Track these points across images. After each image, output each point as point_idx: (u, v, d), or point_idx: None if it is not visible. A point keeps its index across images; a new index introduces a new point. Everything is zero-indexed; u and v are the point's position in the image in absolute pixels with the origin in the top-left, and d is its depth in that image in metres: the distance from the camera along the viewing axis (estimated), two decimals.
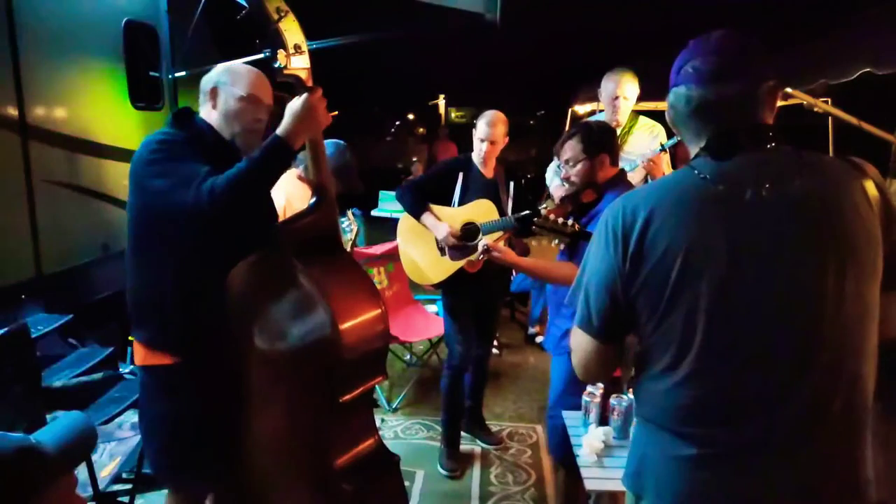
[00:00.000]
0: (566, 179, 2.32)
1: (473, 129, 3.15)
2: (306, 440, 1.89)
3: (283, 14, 1.69)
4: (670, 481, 1.20)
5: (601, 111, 3.39)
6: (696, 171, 1.18)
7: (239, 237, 1.88)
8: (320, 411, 1.84)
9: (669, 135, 3.14)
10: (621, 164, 3.08)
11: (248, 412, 1.95)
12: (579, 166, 2.28)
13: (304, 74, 1.73)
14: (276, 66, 1.70)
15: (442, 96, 17.99)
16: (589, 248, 1.27)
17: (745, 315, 1.12)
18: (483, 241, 2.38)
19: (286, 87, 1.78)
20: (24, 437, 0.96)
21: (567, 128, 4.28)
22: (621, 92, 3.11)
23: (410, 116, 18.43)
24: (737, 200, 1.13)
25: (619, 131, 3.19)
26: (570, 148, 2.29)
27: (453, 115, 18.32)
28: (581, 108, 10.01)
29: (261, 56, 4.03)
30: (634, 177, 3.10)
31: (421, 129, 16.80)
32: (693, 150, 1.24)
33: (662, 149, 3.01)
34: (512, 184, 3.18)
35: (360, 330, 1.80)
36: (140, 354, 1.94)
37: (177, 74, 4.72)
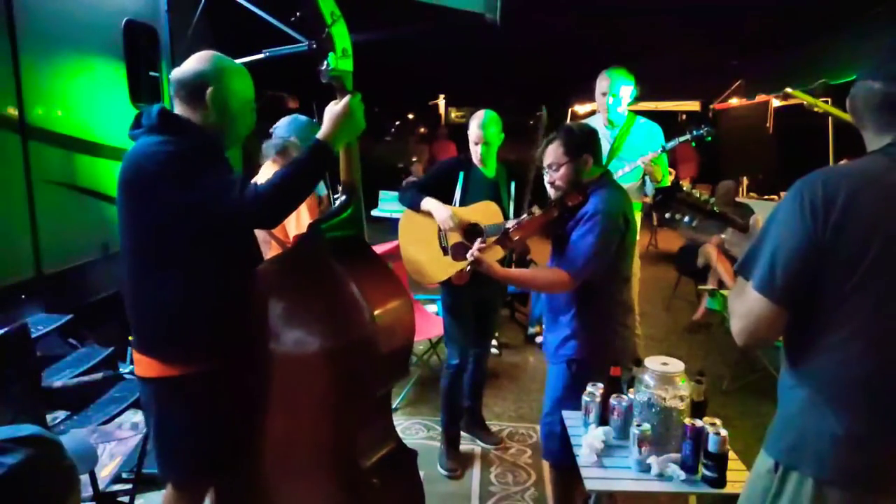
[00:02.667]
0: (551, 184, 2.30)
1: (468, 132, 3.11)
2: (337, 436, 1.90)
3: (335, 19, 1.73)
4: (842, 459, 1.25)
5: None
6: (893, 159, 1.24)
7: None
8: (354, 406, 1.87)
9: (668, 137, 3.15)
10: (621, 165, 3.10)
11: (271, 411, 1.93)
12: (563, 169, 2.25)
13: (347, 78, 1.77)
14: (323, 68, 1.73)
15: (442, 96, 18.00)
16: (774, 218, 1.32)
17: None
18: (471, 252, 2.24)
19: (328, 88, 1.81)
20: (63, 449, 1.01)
21: None
22: (610, 89, 3.12)
23: (410, 116, 18.44)
24: None
25: (616, 132, 3.19)
26: (552, 152, 2.27)
27: (453, 115, 18.34)
28: (581, 108, 10.03)
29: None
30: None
31: (421, 129, 16.81)
32: (875, 140, 1.31)
33: (663, 149, 3.01)
34: (514, 183, 3.18)
35: (394, 324, 1.84)
36: (152, 368, 1.86)
37: None
